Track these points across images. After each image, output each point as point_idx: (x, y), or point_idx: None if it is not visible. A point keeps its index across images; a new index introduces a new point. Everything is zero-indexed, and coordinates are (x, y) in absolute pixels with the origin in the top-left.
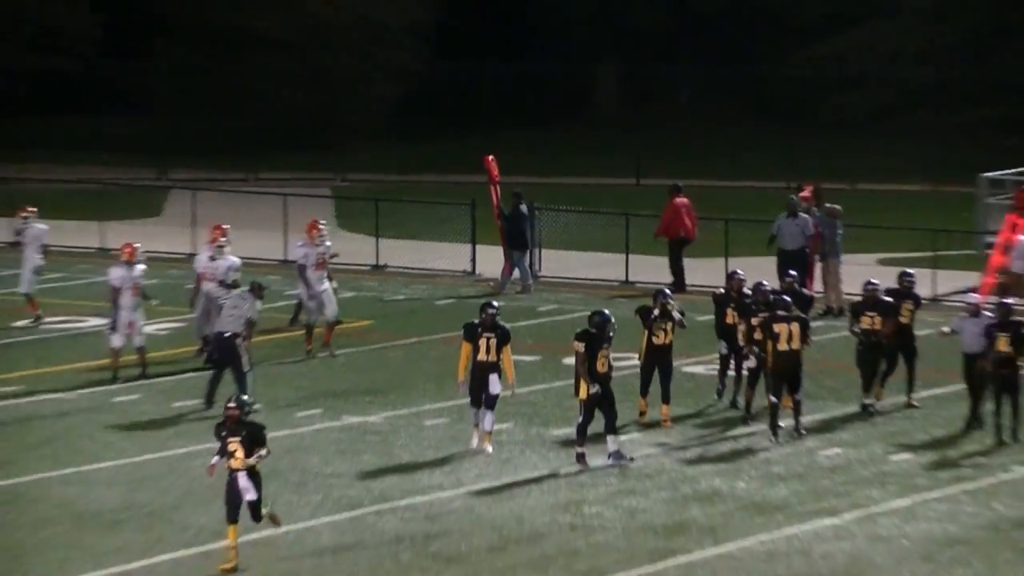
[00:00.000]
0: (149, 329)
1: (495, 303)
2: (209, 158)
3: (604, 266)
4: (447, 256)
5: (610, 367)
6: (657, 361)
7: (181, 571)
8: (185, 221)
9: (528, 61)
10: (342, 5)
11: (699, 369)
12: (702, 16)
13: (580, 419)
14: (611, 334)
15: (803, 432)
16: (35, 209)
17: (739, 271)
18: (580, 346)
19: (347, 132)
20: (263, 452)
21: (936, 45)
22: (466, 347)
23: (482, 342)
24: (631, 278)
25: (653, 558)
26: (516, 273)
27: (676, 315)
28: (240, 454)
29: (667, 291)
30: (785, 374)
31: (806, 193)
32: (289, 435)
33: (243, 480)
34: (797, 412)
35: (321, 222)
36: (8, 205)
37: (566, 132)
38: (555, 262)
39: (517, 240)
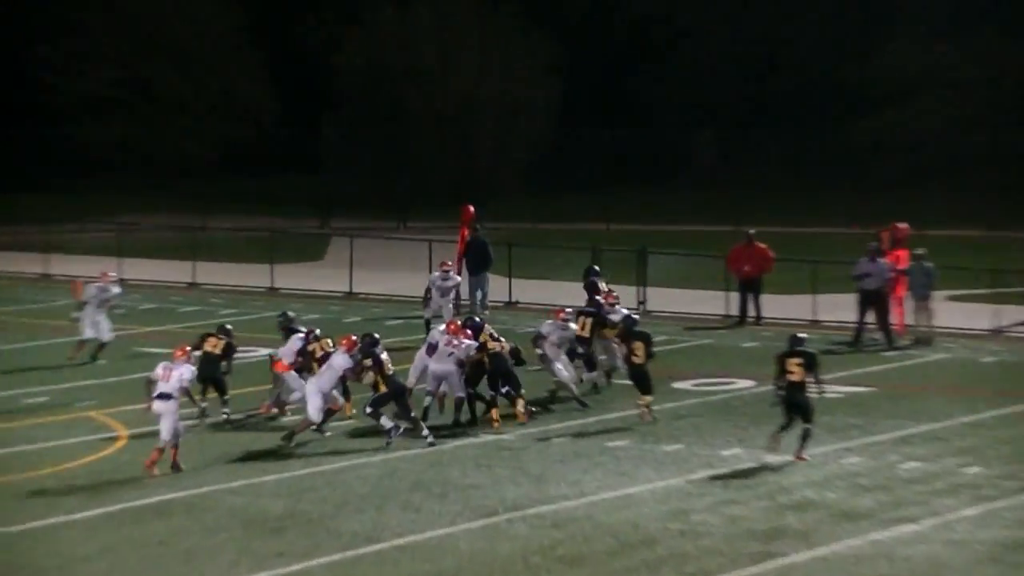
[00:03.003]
0: None
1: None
2: (365, 209)
3: (706, 302)
4: (571, 293)
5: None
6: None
7: (336, 573)
8: (344, 264)
9: (637, 127)
10: (486, 84)
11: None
12: (782, 91)
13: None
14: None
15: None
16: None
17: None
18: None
19: (485, 187)
20: None
21: (990, 111)
22: None
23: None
24: (731, 312)
25: (754, 560)
26: (477, 295)
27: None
28: None
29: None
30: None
31: (904, 227)
32: (434, 451)
33: None
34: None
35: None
36: (194, 249)
37: (671, 187)
38: (662, 298)
39: (476, 267)
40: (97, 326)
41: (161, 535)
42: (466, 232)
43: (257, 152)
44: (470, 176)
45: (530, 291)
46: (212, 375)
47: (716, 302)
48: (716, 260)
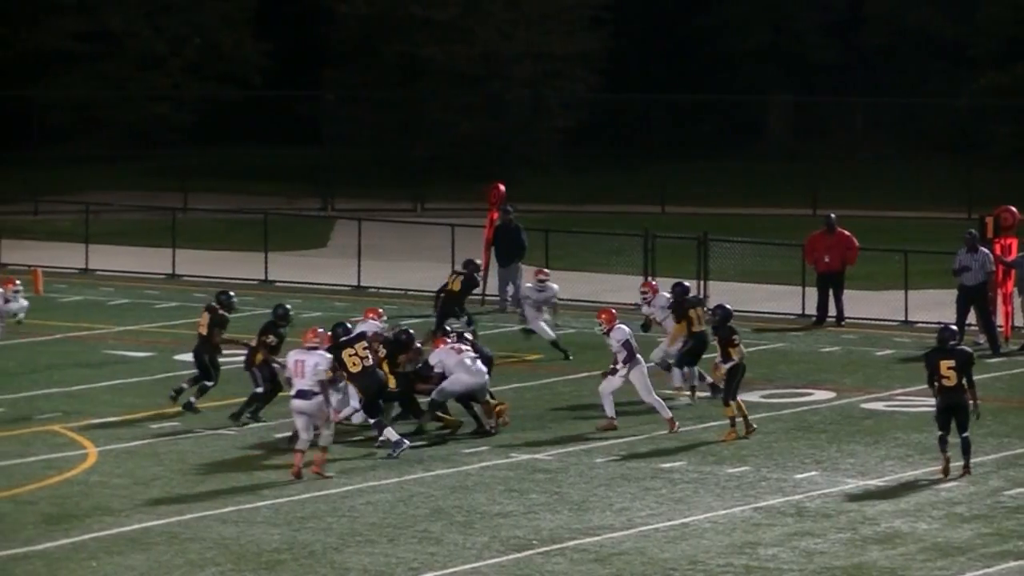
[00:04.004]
0: None
1: None
2: (375, 188)
3: (779, 299)
4: (619, 288)
5: None
6: None
7: None
8: (351, 253)
9: (699, 91)
10: (514, 35)
11: (878, 406)
12: (873, 47)
13: None
14: None
15: None
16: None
17: None
18: None
19: (517, 162)
20: None
21: None
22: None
23: None
24: (808, 311)
25: None
26: (508, 290)
27: None
28: None
29: None
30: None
31: (1012, 211)
32: (454, 472)
33: None
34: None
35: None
36: (171, 237)
37: (738, 162)
38: (726, 294)
39: (506, 256)
40: None
41: (139, 570)
42: (495, 215)
43: (245, 118)
44: (499, 148)
45: (570, 286)
46: (203, 359)
47: (790, 299)
48: (791, 249)
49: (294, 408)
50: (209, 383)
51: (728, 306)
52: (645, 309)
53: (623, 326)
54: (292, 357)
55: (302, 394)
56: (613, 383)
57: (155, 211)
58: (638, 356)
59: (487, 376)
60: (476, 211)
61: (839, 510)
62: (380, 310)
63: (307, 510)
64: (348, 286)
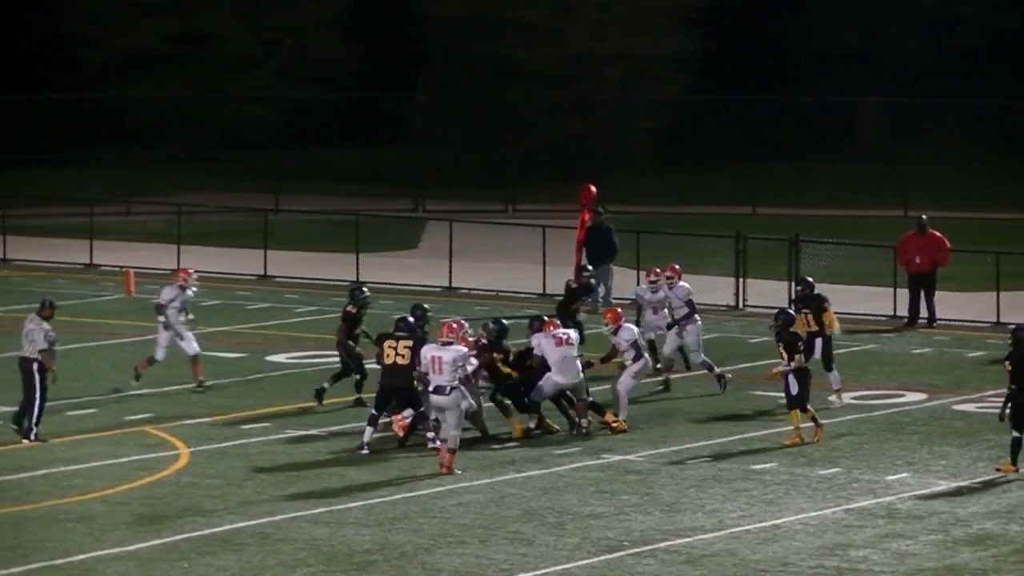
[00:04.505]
0: None
1: None
2: (466, 189)
3: (871, 300)
4: (711, 290)
5: None
6: None
7: None
8: (442, 254)
9: (790, 93)
10: (605, 36)
11: (970, 407)
12: (965, 48)
13: None
14: None
15: None
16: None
17: None
18: None
19: (607, 163)
20: None
21: None
22: None
23: None
24: (899, 312)
25: None
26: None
27: None
28: None
29: None
30: None
31: None
32: (546, 473)
33: None
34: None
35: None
36: (262, 238)
37: (829, 164)
38: None
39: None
40: (183, 338)
41: (231, 570)
42: (586, 216)
43: (336, 119)
44: (590, 149)
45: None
46: (340, 354)
47: (882, 300)
48: (882, 251)
49: (432, 404)
50: (359, 376)
51: (791, 311)
52: (666, 292)
53: (631, 325)
54: (428, 353)
55: (439, 389)
56: (628, 383)
57: (247, 212)
58: (645, 356)
59: (582, 375)
60: (567, 212)
61: (930, 512)
62: (453, 324)
63: (398, 511)
64: (439, 287)
